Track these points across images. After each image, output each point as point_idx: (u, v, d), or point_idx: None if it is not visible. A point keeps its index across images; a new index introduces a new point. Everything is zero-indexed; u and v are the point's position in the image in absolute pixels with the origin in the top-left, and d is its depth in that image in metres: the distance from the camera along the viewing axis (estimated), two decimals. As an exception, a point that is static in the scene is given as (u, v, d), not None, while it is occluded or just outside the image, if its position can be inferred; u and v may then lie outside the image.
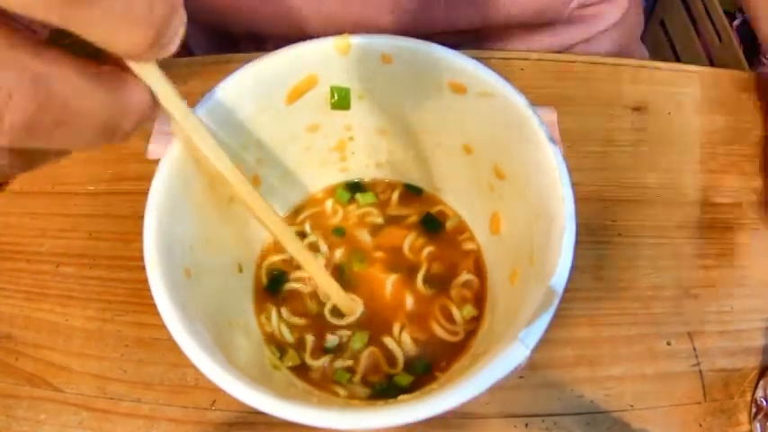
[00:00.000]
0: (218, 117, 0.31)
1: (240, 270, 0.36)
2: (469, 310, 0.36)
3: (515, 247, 0.33)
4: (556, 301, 0.25)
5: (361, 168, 0.40)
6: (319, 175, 0.40)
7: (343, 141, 0.38)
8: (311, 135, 0.36)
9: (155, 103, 0.22)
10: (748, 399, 0.38)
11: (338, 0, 0.49)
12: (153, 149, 0.46)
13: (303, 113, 0.35)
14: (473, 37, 0.54)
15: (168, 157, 0.29)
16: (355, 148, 0.38)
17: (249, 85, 0.32)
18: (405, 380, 0.34)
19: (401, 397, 0.32)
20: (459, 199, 0.39)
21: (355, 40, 0.32)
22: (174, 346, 0.39)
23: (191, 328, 0.26)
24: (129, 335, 0.40)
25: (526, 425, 0.37)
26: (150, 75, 0.21)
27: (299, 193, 0.40)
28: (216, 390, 0.38)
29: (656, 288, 0.41)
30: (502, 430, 0.37)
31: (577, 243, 0.27)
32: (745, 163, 0.47)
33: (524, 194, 0.31)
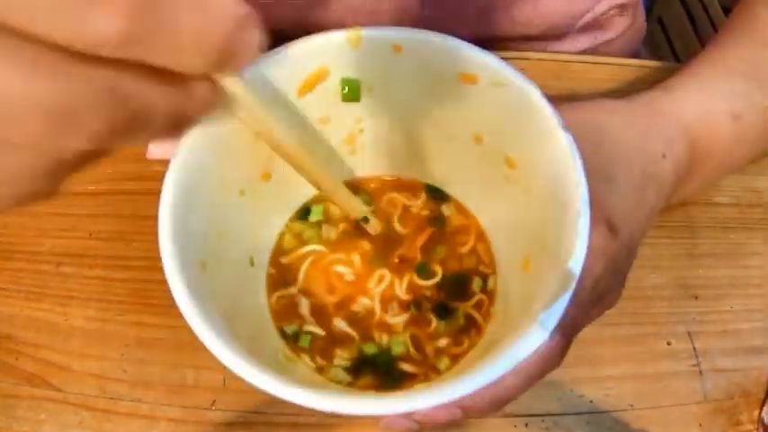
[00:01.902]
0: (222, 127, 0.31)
1: (252, 264, 0.36)
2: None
3: (528, 234, 0.33)
4: (573, 284, 0.25)
5: (372, 161, 0.40)
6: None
7: (354, 134, 0.38)
8: (322, 128, 0.36)
9: (217, 88, 0.22)
10: (748, 399, 0.38)
11: (346, 12, 0.49)
12: (153, 149, 0.46)
13: (314, 106, 0.35)
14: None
15: (181, 150, 0.29)
16: (365, 141, 0.38)
17: (261, 79, 0.32)
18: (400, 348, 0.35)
19: (419, 385, 0.32)
20: (470, 190, 0.38)
21: (367, 32, 0.32)
22: (174, 346, 0.39)
23: (209, 319, 0.26)
24: (129, 335, 0.40)
25: (526, 425, 0.37)
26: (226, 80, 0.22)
27: (310, 188, 0.40)
28: (216, 390, 0.38)
29: (656, 288, 0.41)
30: (502, 430, 0.37)
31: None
32: (744, 163, 0.47)
33: (537, 182, 0.31)
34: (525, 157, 0.32)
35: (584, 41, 0.57)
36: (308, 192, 0.40)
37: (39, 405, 0.38)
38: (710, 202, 0.45)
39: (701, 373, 0.39)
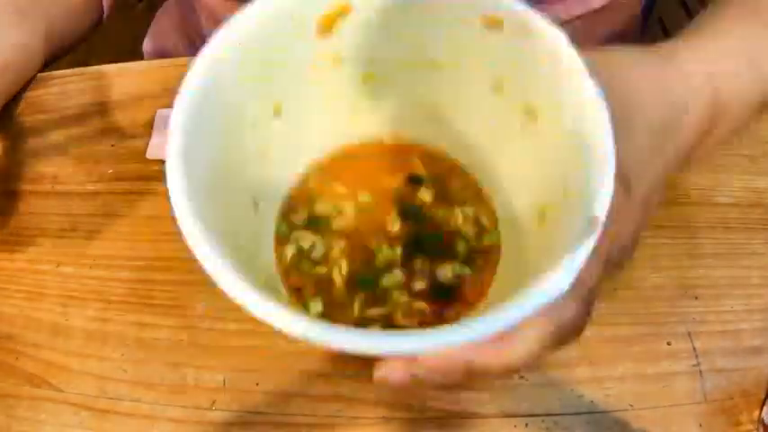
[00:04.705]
0: (245, 39, 0.31)
1: (256, 207, 0.35)
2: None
3: (545, 187, 0.32)
4: (599, 227, 0.25)
5: (380, 109, 0.38)
6: (339, 122, 0.38)
7: (369, 74, 0.37)
8: (334, 68, 0.35)
9: None
10: (748, 399, 0.38)
11: None
12: (153, 149, 0.46)
13: (330, 43, 0.34)
14: None
15: (196, 72, 0.29)
16: (377, 85, 0.37)
17: (278, 9, 0.31)
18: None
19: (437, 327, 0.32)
20: (481, 144, 0.37)
21: None
22: (174, 346, 0.39)
23: (210, 237, 0.25)
24: (129, 335, 0.40)
25: (526, 425, 0.37)
26: None
27: (322, 136, 0.39)
28: (216, 389, 0.38)
29: (656, 288, 0.41)
30: (502, 430, 0.37)
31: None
32: (745, 163, 0.47)
33: (557, 130, 0.30)
34: (548, 105, 0.31)
35: (575, 7, 0.56)
36: (320, 142, 0.39)
37: (39, 405, 0.38)
38: (710, 202, 0.45)
39: (701, 373, 0.39)
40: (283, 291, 0.35)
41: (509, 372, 0.28)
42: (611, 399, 0.38)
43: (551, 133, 0.31)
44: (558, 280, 0.24)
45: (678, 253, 0.43)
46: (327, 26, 0.33)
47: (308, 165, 0.38)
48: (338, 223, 0.37)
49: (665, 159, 0.33)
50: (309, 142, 0.38)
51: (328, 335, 0.23)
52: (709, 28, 0.38)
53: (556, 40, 0.30)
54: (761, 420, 0.37)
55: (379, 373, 0.28)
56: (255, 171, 0.35)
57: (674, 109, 0.34)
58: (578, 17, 0.57)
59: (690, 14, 0.89)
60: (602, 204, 0.25)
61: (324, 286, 0.35)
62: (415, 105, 0.38)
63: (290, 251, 0.36)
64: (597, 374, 0.38)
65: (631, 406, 0.38)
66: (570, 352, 0.39)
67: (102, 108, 0.49)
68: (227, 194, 0.31)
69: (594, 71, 0.29)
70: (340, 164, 0.39)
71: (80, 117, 0.49)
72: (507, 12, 0.31)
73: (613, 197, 0.26)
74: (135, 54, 0.69)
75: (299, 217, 0.37)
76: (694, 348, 0.39)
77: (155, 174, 0.45)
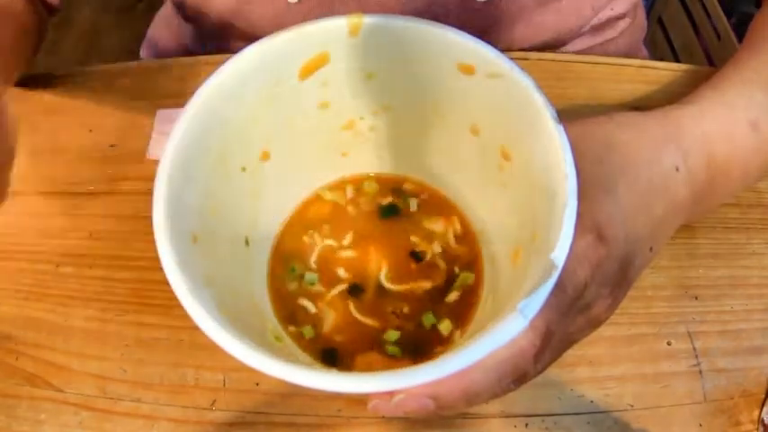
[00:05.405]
0: (227, 92, 0.31)
1: (247, 243, 0.36)
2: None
3: (518, 226, 0.33)
4: (555, 274, 0.25)
5: (370, 150, 0.40)
6: (328, 162, 0.40)
7: (353, 120, 0.38)
8: (321, 113, 0.37)
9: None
10: (748, 399, 0.38)
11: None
12: (153, 149, 0.46)
13: (314, 91, 0.35)
14: None
15: (181, 123, 0.29)
16: (365, 128, 0.39)
17: (260, 60, 0.32)
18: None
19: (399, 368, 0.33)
20: (465, 181, 0.39)
21: (368, 20, 0.32)
22: (174, 346, 0.39)
23: (195, 290, 0.26)
24: (129, 335, 0.40)
25: (526, 425, 0.37)
26: None
27: (310, 175, 0.40)
28: (216, 389, 0.38)
29: (656, 288, 0.41)
30: (502, 430, 0.37)
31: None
32: (744, 163, 0.47)
33: (529, 174, 0.31)
34: (519, 149, 0.32)
35: (585, 42, 0.57)
36: (308, 181, 0.40)
37: (39, 405, 0.38)
38: (710, 202, 0.45)
39: (701, 373, 0.39)
40: (276, 322, 0.36)
41: (471, 399, 0.29)
42: (611, 399, 0.38)
43: (523, 177, 0.32)
44: (512, 323, 0.25)
45: (678, 253, 0.43)
46: (308, 74, 0.34)
47: (296, 203, 0.39)
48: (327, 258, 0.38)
49: (651, 218, 0.33)
50: (299, 180, 0.39)
51: (305, 377, 0.25)
52: (710, 91, 0.39)
53: (524, 87, 0.30)
54: (761, 420, 0.37)
55: (369, 405, 0.30)
56: (246, 210, 0.36)
57: (661, 169, 0.34)
58: (585, 50, 0.57)
59: (690, 15, 0.89)
60: (560, 251, 0.26)
61: (313, 320, 0.36)
62: (401, 146, 0.39)
63: (281, 284, 0.37)
64: (597, 374, 0.38)
65: (631, 406, 0.38)
66: (570, 352, 0.39)
67: (102, 108, 0.49)
68: (216, 236, 0.32)
69: (578, 137, 0.29)
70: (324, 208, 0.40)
71: (80, 117, 0.49)
72: (479, 58, 0.32)
73: (575, 244, 0.26)
74: (135, 54, 0.69)
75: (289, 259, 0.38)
76: (694, 348, 0.39)
77: (155, 174, 0.44)
